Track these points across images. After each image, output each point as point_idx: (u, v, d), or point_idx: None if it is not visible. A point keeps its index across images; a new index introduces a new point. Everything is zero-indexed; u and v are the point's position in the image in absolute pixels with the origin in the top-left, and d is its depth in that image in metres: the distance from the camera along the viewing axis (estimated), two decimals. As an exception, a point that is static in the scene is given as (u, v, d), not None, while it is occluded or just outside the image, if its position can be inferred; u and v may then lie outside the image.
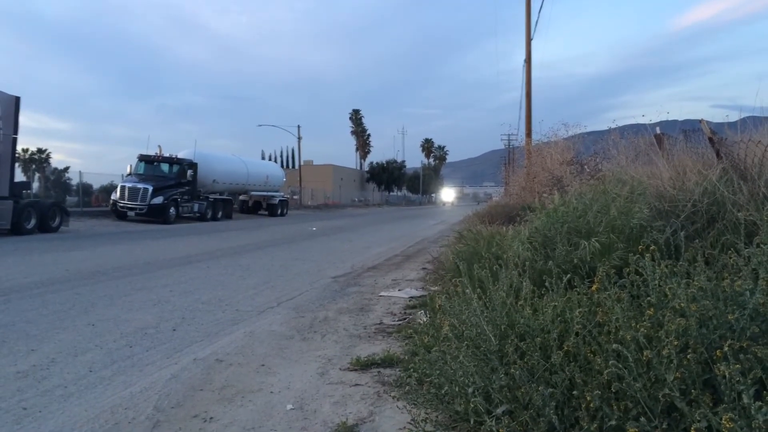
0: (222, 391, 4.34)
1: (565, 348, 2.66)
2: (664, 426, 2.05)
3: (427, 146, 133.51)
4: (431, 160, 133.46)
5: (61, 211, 21.89)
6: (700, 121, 6.92)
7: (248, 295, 8.34)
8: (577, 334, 2.64)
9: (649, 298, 2.69)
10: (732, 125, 6.85)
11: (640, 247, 3.39)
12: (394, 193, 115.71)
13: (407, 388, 3.88)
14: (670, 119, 10.09)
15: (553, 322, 3.04)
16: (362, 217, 43.53)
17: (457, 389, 2.91)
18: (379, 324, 6.57)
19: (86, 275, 9.86)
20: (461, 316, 3.21)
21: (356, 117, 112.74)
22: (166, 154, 31.76)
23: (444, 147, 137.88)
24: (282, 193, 43.93)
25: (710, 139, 6.48)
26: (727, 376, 1.97)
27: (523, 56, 24.75)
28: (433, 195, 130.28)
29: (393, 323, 6.58)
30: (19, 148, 20.46)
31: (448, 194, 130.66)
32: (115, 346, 5.50)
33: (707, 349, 2.27)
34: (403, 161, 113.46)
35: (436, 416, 3.24)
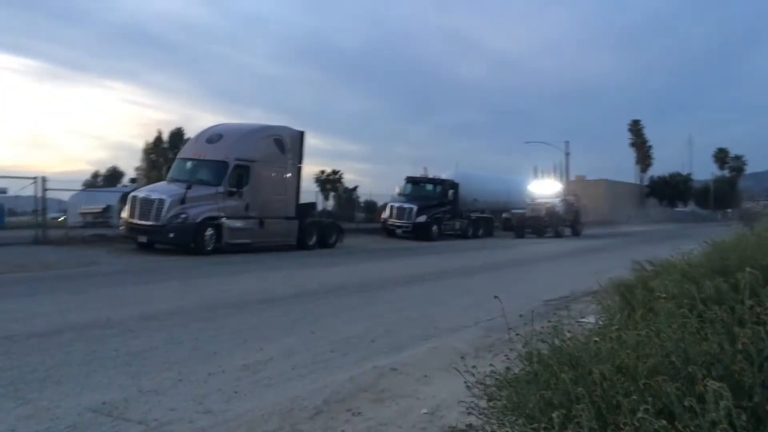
0: (380, 394, 5.29)
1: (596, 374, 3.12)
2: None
3: (721, 156, 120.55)
4: (725, 171, 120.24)
5: (337, 230, 25.18)
6: None
7: (454, 313, 9.23)
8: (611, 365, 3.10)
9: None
10: None
11: None
12: (679, 209, 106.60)
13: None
14: None
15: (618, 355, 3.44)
16: (631, 236, 41.32)
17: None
18: (555, 348, 6.96)
19: (331, 289, 11.69)
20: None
21: (636, 128, 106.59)
22: (431, 175, 34.27)
23: (742, 156, 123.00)
24: (545, 211, 43.72)
25: None
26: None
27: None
28: (728, 210, 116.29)
29: (568, 348, 6.92)
30: (317, 170, 24.23)
31: (544, 187, 43.16)
32: (320, 350, 6.80)
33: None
34: (689, 174, 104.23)
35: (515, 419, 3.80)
